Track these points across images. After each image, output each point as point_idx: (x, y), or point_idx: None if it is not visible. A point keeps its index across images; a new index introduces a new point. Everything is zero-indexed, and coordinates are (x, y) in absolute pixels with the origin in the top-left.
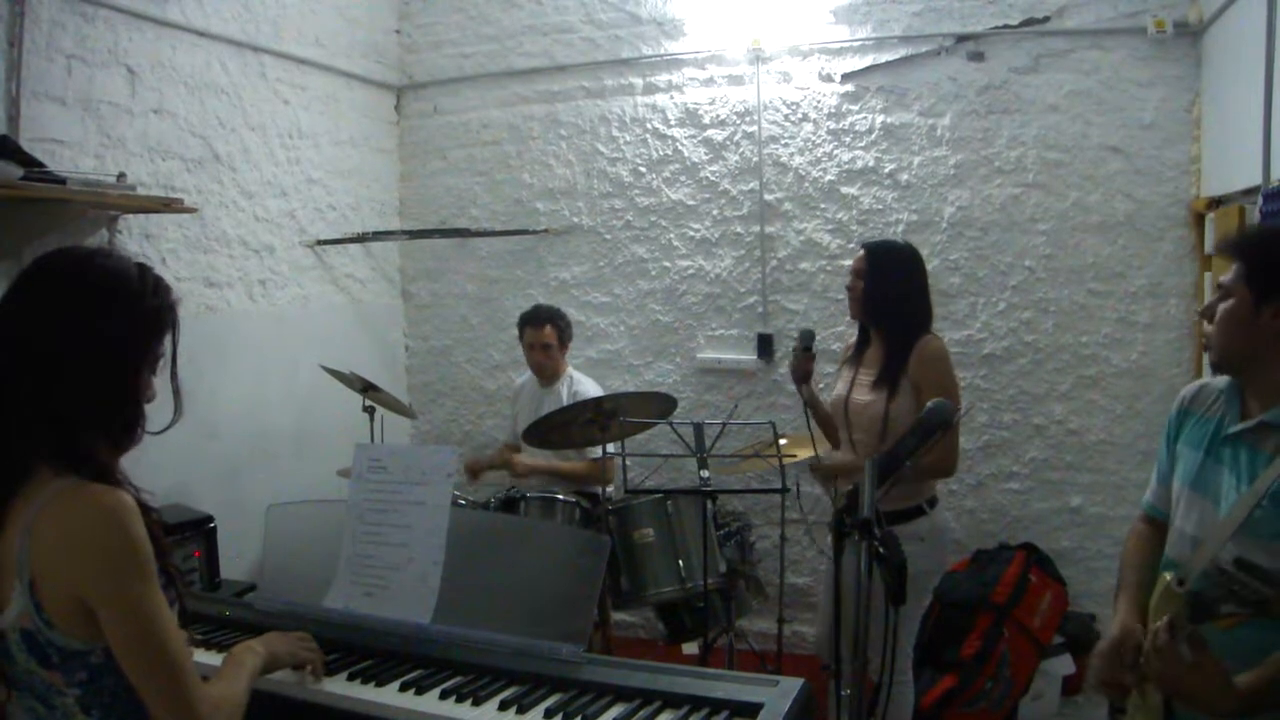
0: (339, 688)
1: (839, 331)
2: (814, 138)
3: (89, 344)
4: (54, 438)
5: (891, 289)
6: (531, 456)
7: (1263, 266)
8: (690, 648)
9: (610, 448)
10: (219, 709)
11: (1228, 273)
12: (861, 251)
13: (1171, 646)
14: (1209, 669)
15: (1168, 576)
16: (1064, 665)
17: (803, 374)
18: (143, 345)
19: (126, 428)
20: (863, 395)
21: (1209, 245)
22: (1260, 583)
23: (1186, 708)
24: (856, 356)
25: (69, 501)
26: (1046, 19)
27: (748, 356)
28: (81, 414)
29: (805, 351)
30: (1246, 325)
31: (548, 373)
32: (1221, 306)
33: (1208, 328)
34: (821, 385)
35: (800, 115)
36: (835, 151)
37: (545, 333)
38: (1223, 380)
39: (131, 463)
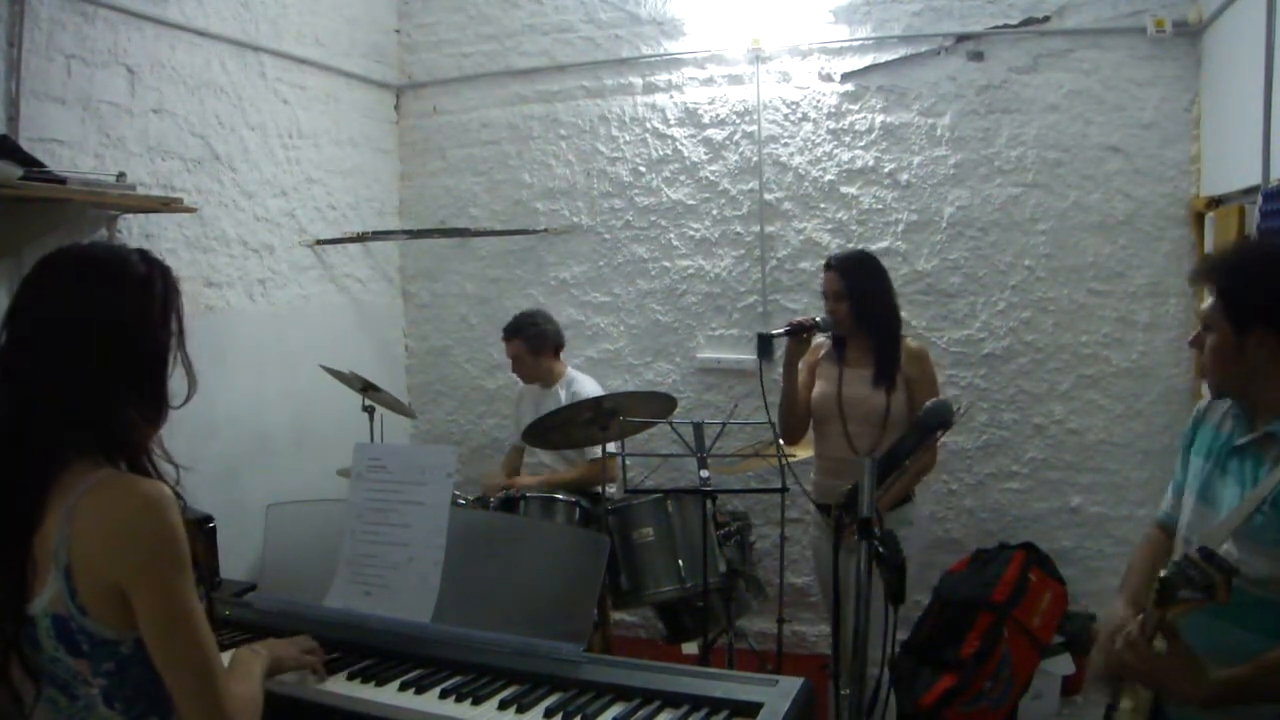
0: (339, 687)
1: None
2: (814, 137)
3: (109, 327)
4: (89, 424)
5: (874, 297)
6: (533, 472)
7: (1234, 297)
8: (690, 648)
9: (610, 447)
10: (244, 707)
11: (1206, 299)
12: (832, 271)
13: (1141, 640)
14: (1181, 657)
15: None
16: (1064, 665)
17: (799, 352)
18: (159, 321)
19: (157, 403)
20: (861, 390)
21: (1209, 245)
22: (1214, 569)
23: (1167, 700)
24: (837, 357)
25: (111, 489)
26: (1046, 19)
27: (748, 356)
28: (114, 395)
29: (810, 330)
30: (1234, 357)
31: (535, 379)
32: (1207, 340)
33: (1200, 355)
34: (775, 375)
35: (800, 115)
36: (835, 151)
37: (513, 345)
38: None
39: None
